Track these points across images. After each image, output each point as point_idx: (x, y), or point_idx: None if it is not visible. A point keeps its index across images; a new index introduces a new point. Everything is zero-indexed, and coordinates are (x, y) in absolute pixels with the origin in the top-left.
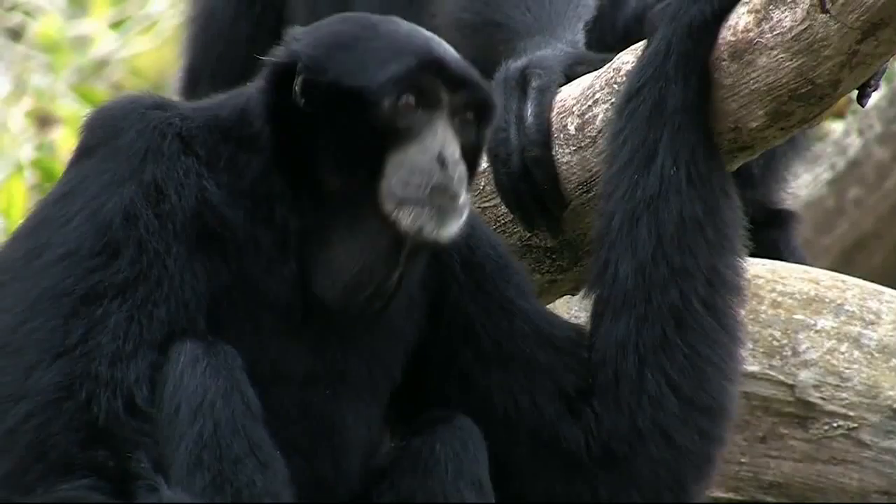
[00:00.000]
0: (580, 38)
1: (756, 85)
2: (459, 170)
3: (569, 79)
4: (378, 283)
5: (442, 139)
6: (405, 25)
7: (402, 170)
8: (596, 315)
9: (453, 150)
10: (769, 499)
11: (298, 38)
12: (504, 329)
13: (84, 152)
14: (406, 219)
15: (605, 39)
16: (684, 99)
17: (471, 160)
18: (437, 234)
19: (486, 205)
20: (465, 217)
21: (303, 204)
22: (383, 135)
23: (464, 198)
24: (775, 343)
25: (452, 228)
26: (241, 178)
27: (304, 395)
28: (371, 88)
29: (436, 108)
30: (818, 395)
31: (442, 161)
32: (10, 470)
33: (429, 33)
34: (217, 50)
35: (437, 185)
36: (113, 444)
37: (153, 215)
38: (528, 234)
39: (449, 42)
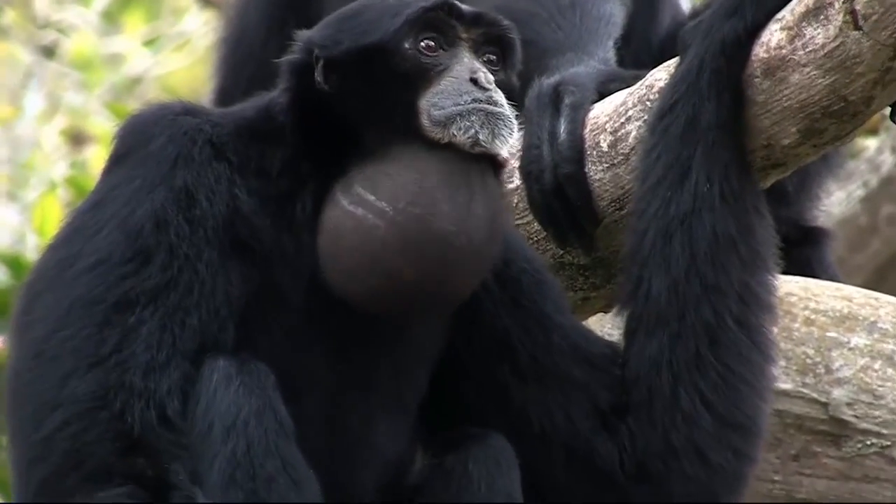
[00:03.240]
0: (612, 55)
1: (789, 102)
2: (497, 92)
3: (601, 96)
4: None
5: (470, 66)
6: None
7: (439, 98)
8: (629, 332)
9: (485, 74)
10: None
11: (307, 32)
12: (541, 344)
13: (115, 160)
14: (458, 133)
15: (640, 58)
16: (717, 116)
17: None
18: (493, 142)
19: (520, 222)
20: (515, 132)
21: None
22: (412, 78)
23: (509, 109)
24: (808, 361)
25: (506, 138)
26: (269, 180)
27: (333, 404)
28: (389, 37)
29: (456, 45)
30: (851, 412)
31: (475, 81)
32: (46, 477)
33: None
34: (248, 71)
35: (477, 98)
36: (150, 454)
37: (184, 220)
38: (561, 252)
39: None
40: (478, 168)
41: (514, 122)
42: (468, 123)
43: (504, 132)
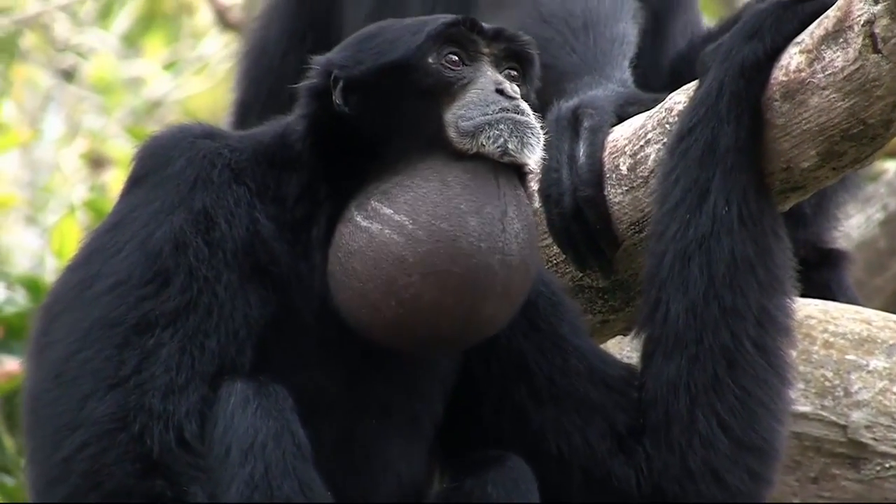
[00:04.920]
0: (629, 76)
1: (808, 125)
2: (523, 101)
3: (620, 119)
4: None
5: (494, 78)
6: None
7: (465, 109)
8: (646, 354)
9: (510, 84)
10: None
11: (323, 56)
12: (558, 366)
13: (135, 182)
14: (487, 143)
15: (648, 79)
16: (736, 139)
17: None
18: (521, 151)
19: (539, 245)
20: (542, 142)
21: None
22: (437, 92)
23: (535, 119)
24: (827, 383)
25: (535, 147)
26: (285, 207)
27: (349, 428)
28: (412, 53)
29: (478, 60)
30: (870, 435)
31: (501, 91)
32: (65, 498)
33: None
34: (268, 84)
35: (505, 107)
36: (169, 476)
37: (203, 243)
38: (581, 275)
39: None
40: (507, 178)
41: (541, 131)
42: (497, 132)
43: (532, 141)
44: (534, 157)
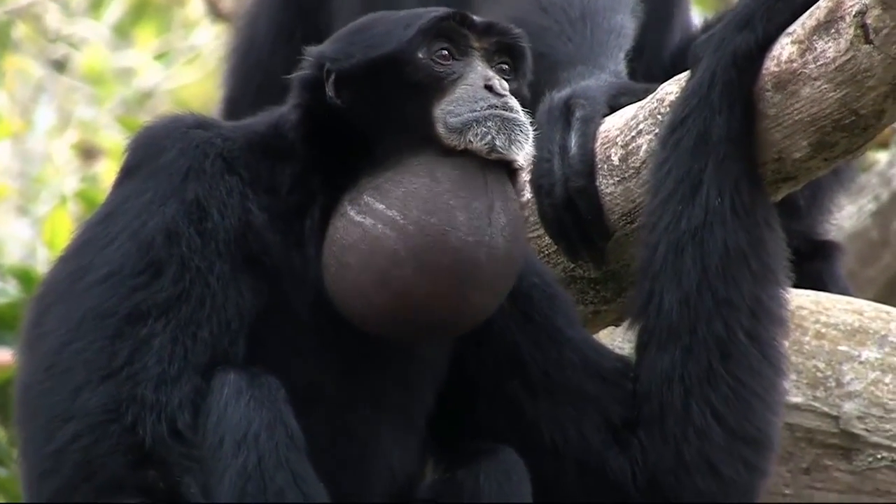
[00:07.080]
0: (622, 67)
1: (799, 115)
2: (512, 98)
3: (612, 109)
4: None
5: (484, 74)
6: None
7: (454, 105)
8: (640, 346)
9: (500, 81)
10: None
11: (317, 47)
12: (553, 358)
13: (127, 172)
14: (475, 140)
15: (652, 71)
16: (728, 129)
17: None
18: (509, 148)
19: (530, 235)
20: (531, 138)
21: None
22: (426, 87)
23: (524, 116)
24: (819, 374)
25: (523, 145)
26: (278, 196)
27: (341, 420)
28: (402, 47)
29: (469, 54)
30: (862, 426)
31: (490, 87)
32: (57, 489)
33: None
34: (256, 80)
35: (493, 104)
36: (161, 466)
37: (195, 233)
38: (572, 265)
39: None
40: (495, 175)
41: (530, 128)
42: (484, 129)
43: (520, 138)
44: (522, 154)
